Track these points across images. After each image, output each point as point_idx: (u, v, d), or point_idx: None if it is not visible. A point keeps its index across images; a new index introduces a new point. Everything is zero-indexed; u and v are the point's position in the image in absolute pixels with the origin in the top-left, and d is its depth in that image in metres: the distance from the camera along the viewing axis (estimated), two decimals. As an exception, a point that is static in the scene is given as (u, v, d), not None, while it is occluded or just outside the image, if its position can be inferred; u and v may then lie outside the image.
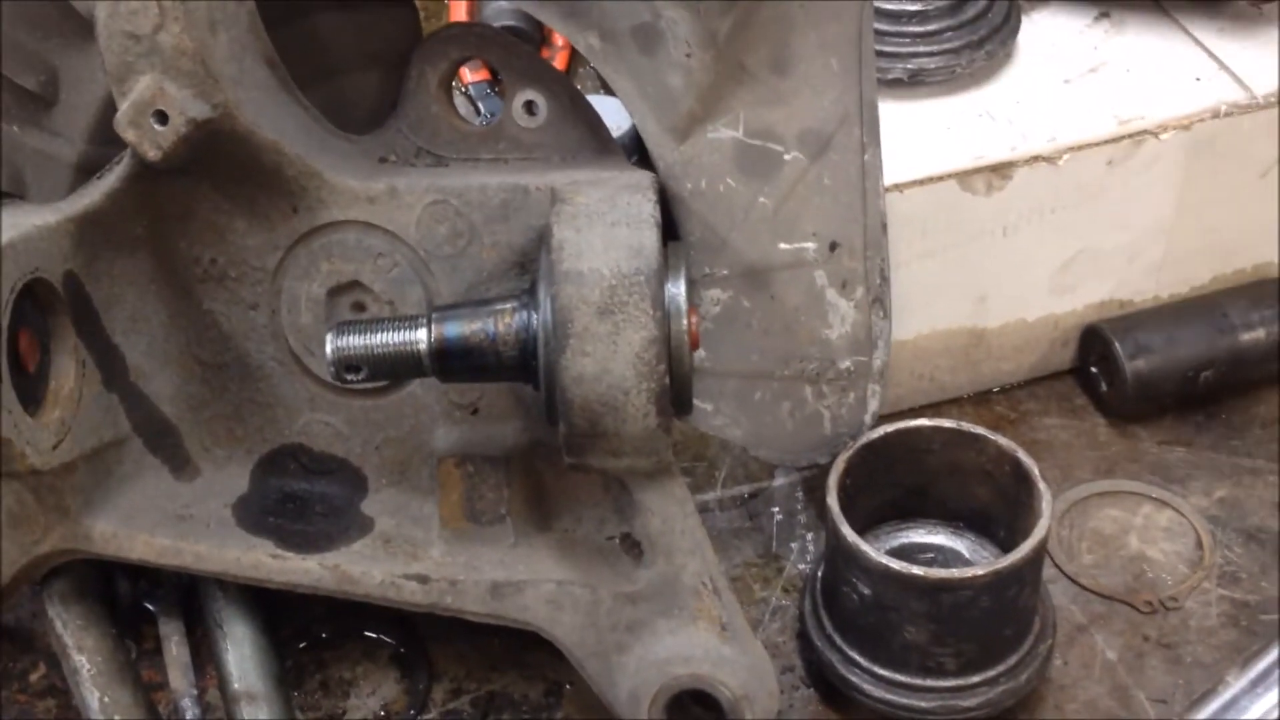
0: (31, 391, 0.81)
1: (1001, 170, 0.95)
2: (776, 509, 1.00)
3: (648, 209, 0.77)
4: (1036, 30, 1.05)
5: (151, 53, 0.79)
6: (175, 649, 0.91)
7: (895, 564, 0.78)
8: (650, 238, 0.75)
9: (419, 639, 0.93)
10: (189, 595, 0.94)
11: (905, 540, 0.90)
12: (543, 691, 0.90)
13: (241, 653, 0.88)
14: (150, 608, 0.94)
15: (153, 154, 0.80)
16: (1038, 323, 1.04)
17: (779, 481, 1.02)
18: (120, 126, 0.80)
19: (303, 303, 0.88)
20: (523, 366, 0.79)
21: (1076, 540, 0.96)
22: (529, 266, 0.85)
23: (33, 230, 0.81)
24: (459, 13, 1.39)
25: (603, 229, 0.75)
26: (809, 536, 0.98)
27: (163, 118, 0.80)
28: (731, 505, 1.00)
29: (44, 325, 0.83)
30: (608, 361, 0.73)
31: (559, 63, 1.34)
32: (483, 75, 1.32)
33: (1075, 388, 1.07)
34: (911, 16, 0.99)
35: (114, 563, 0.91)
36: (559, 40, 1.36)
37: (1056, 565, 0.94)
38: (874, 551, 0.79)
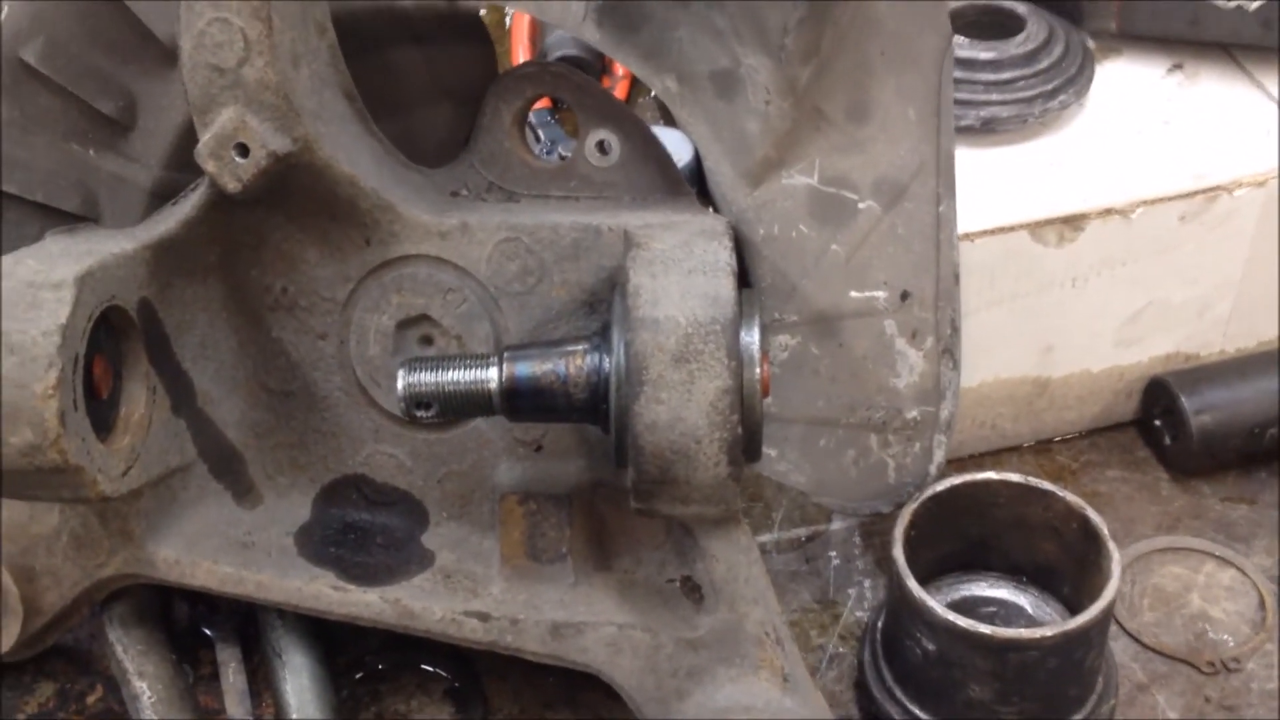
0: (104, 418, 0.81)
1: (1073, 222, 0.94)
2: (834, 554, 0.99)
3: (724, 256, 0.76)
4: (1110, 80, 1.05)
5: (235, 85, 0.79)
6: (232, 676, 0.91)
7: (962, 621, 0.78)
8: (727, 286, 0.75)
9: (474, 674, 0.93)
10: (247, 622, 0.94)
11: (968, 593, 0.90)
12: None
13: (300, 682, 0.88)
14: (208, 633, 0.94)
15: (232, 186, 0.80)
16: (1102, 374, 1.03)
17: (836, 526, 1.01)
18: (201, 157, 0.80)
19: (371, 334, 0.88)
20: (592, 409, 0.79)
21: (1138, 597, 0.96)
22: (598, 306, 0.85)
23: (110, 258, 0.82)
24: (520, 38, 1.39)
25: (679, 276, 0.75)
26: (866, 583, 0.97)
27: (244, 150, 0.80)
28: (788, 548, 1.00)
29: (118, 351, 0.83)
30: (682, 409, 0.73)
31: (619, 92, 1.34)
32: (544, 103, 1.32)
33: (1138, 440, 1.07)
34: (986, 65, 0.99)
35: (174, 588, 0.92)
36: (619, 70, 1.36)
37: (1118, 622, 0.93)
38: (940, 607, 0.79)
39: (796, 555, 0.99)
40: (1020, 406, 1.03)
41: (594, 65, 1.36)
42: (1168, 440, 1.04)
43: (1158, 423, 1.04)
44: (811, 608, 0.96)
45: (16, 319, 0.77)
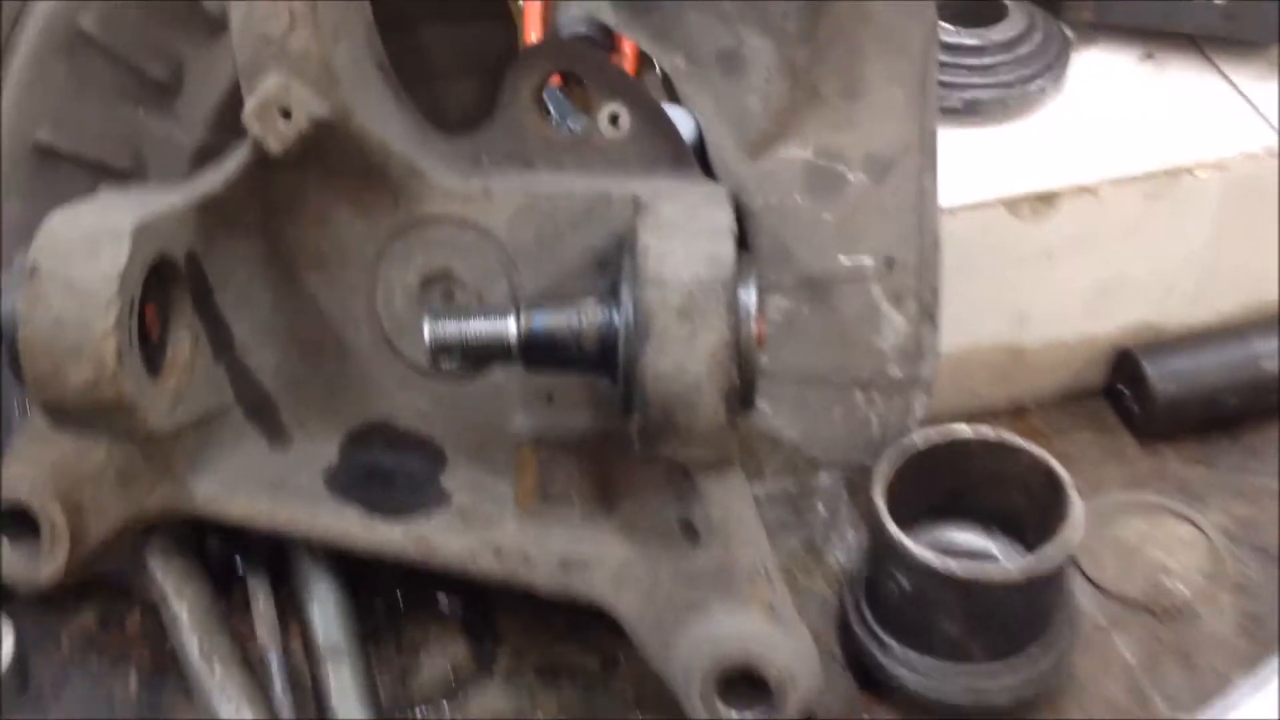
0: (153, 360, 0.89)
1: (1047, 199, 1.02)
2: (821, 504, 1.07)
3: (725, 221, 0.84)
4: (1085, 67, 1.12)
5: (281, 54, 0.86)
6: (263, 606, 0.98)
7: (936, 560, 0.85)
8: (727, 248, 0.82)
9: (486, 608, 1.00)
10: (275, 556, 1.01)
11: (941, 538, 0.97)
12: (599, 663, 0.97)
13: (326, 612, 0.96)
14: (239, 567, 1.01)
15: (275, 146, 0.87)
16: (1074, 343, 1.11)
17: (823, 479, 1.08)
18: (247, 119, 0.87)
19: (397, 290, 0.95)
20: (601, 361, 0.86)
21: (1101, 548, 1.03)
22: (607, 266, 0.92)
23: (162, 212, 0.89)
24: (533, 19, 1.46)
25: (684, 238, 0.82)
26: (850, 533, 1.04)
27: (286, 114, 0.87)
28: (778, 500, 1.07)
29: (166, 299, 0.90)
30: (684, 360, 0.80)
31: (626, 68, 1.40)
32: (555, 80, 1.38)
33: (1106, 406, 1.14)
34: (970, 50, 1.06)
35: (206, 524, 0.99)
36: (627, 48, 1.43)
37: (1081, 570, 1.00)
38: (916, 547, 0.86)
39: (786, 507, 1.07)
40: (996, 373, 1.10)
41: (603, 44, 1.43)
42: (1133, 407, 1.11)
43: (1124, 390, 1.12)
44: (799, 555, 1.04)
45: (78, 264, 0.84)
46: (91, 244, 0.84)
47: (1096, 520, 1.04)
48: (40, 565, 0.96)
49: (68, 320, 0.82)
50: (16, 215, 1.00)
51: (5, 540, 0.96)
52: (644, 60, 1.39)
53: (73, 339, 0.83)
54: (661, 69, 0.96)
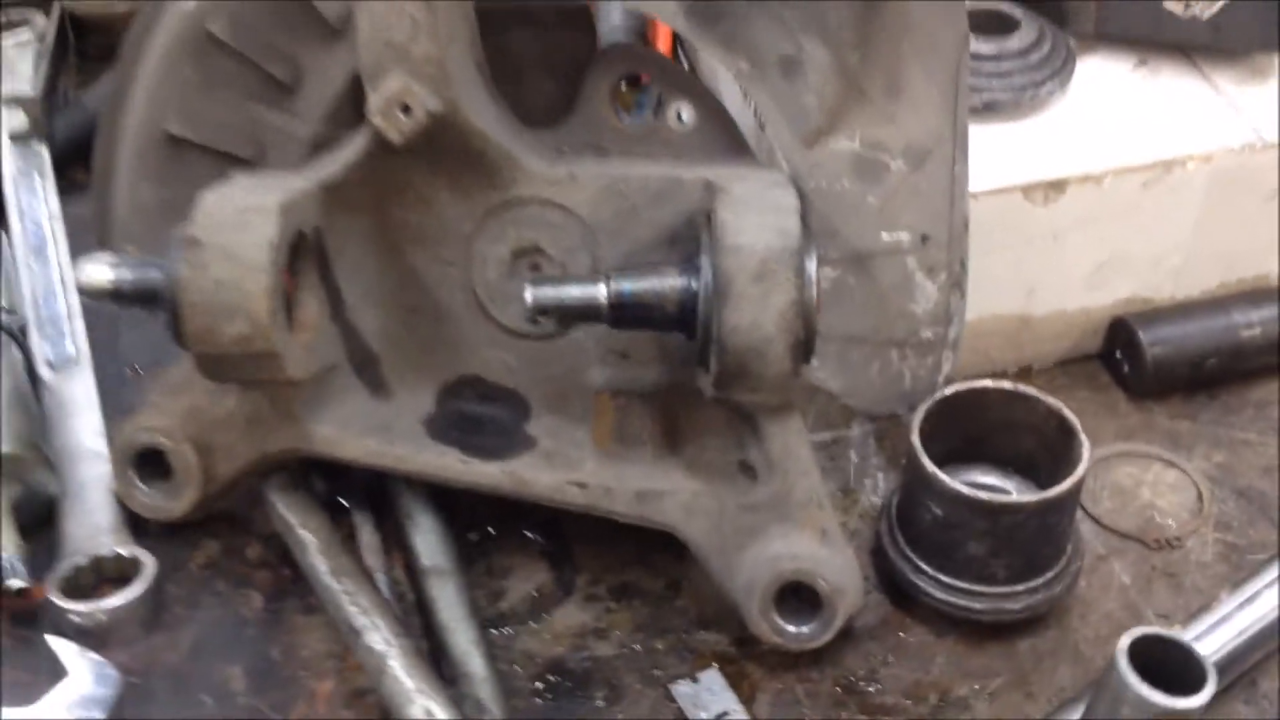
0: (289, 318, 1.02)
1: (1056, 185, 1.16)
2: (853, 453, 1.20)
3: (790, 201, 0.97)
4: (1087, 72, 1.25)
5: (403, 58, 0.98)
6: (367, 536, 1.11)
7: (965, 489, 1.00)
8: (794, 223, 0.95)
9: (565, 539, 1.13)
10: (375, 494, 1.14)
11: (965, 478, 1.10)
12: (664, 585, 1.10)
13: (427, 538, 1.08)
14: (344, 503, 1.14)
15: (396, 138, 1.00)
16: (1075, 313, 1.25)
17: (854, 431, 1.22)
18: (372, 113, 1.00)
19: (490, 261, 1.08)
20: (680, 320, 0.99)
21: (1100, 490, 1.17)
22: (677, 242, 1.05)
23: (297, 192, 1.02)
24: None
25: (756, 214, 0.96)
26: (880, 476, 1.18)
27: (406, 109, 1.00)
28: (816, 448, 1.19)
29: (297, 267, 1.03)
30: (758, 317, 0.94)
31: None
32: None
33: (1102, 369, 1.27)
34: (988, 57, 1.19)
35: (312, 466, 1.12)
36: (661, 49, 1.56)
37: (1083, 508, 1.14)
38: (948, 479, 1.00)
39: (822, 454, 1.20)
40: (1007, 339, 1.24)
41: (643, 47, 1.56)
42: (1126, 369, 1.25)
43: (1119, 355, 1.26)
44: (836, 496, 1.17)
45: (234, 236, 0.97)
46: (244, 218, 0.97)
47: (1095, 467, 1.19)
48: (173, 501, 1.09)
49: (227, 283, 0.96)
50: (147, 198, 1.12)
51: (137, 477, 1.09)
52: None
53: (232, 299, 0.96)
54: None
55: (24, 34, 1.53)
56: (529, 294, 1.00)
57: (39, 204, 1.34)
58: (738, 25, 1.03)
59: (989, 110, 1.19)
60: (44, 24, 1.55)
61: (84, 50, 1.60)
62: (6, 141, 1.40)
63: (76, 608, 1.03)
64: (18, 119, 1.40)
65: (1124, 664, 0.69)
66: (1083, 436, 1.03)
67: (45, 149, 1.40)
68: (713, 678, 1.03)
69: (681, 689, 1.02)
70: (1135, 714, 0.69)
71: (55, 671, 0.99)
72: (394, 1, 0.97)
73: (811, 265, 0.96)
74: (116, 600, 1.04)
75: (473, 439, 1.09)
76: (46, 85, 1.45)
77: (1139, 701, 0.68)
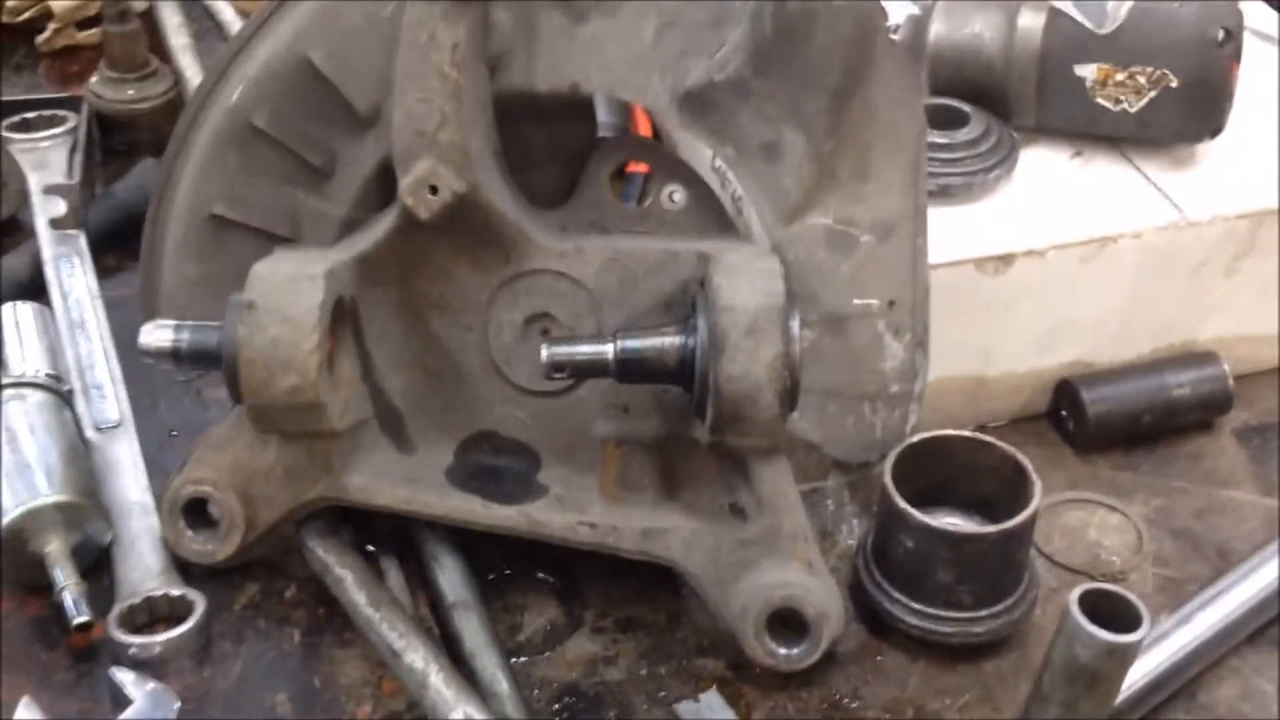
0: (330, 376, 1.14)
1: (1005, 259, 1.29)
2: (830, 501, 1.32)
3: (776, 268, 1.11)
4: (1029, 161, 1.38)
5: (432, 145, 1.11)
6: (394, 577, 1.22)
7: (934, 521, 1.12)
8: (779, 286, 1.09)
9: (574, 579, 1.23)
10: (399, 540, 1.25)
11: (932, 518, 1.24)
12: (665, 618, 1.20)
13: (451, 576, 1.19)
14: (371, 548, 1.25)
15: (425, 215, 1.13)
16: (1025, 374, 1.37)
17: (830, 483, 1.34)
18: (403, 194, 1.12)
19: (505, 327, 1.20)
20: (677, 373, 1.11)
21: (1051, 531, 1.29)
22: (673, 307, 1.16)
23: (337, 263, 1.14)
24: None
25: (746, 277, 1.09)
26: (855, 521, 1.29)
27: (434, 190, 1.13)
28: (796, 499, 1.33)
29: (336, 330, 1.15)
30: (749, 367, 1.07)
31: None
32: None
33: (1048, 427, 1.40)
34: (942, 147, 1.33)
35: (340, 513, 1.23)
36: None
37: (1037, 548, 1.26)
38: (918, 513, 1.13)
39: (804, 503, 1.32)
40: (965, 397, 1.37)
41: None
42: (1071, 425, 1.38)
43: (1064, 413, 1.39)
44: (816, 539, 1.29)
45: (286, 299, 1.09)
46: (294, 284, 1.10)
47: (1046, 512, 1.31)
48: (218, 547, 1.20)
49: (281, 341, 1.08)
50: (193, 274, 1.24)
51: (185, 525, 1.20)
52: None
53: (285, 355, 1.08)
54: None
55: (57, 130, 1.67)
56: (545, 353, 1.12)
57: (79, 283, 1.46)
58: (725, 117, 1.17)
59: (944, 193, 1.33)
60: (75, 121, 1.68)
61: (110, 145, 1.73)
62: (46, 227, 1.52)
63: (134, 640, 1.14)
64: (57, 207, 1.53)
65: (1076, 611, 0.82)
66: (1034, 476, 1.16)
67: (82, 234, 1.52)
68: (713, 698, 1.14)
69: (685, 708, 1.14)
70: (1086, 651, 0.82)
71: (117, 701, 1.09)
72: (425, 94, 1.11)
73: (795, 323, 1.09)
74: (171, 633, 1.14)
75: (490, 488, 1.21)
76: (82, 176, 1.58)
77: (1089, 639, 0.81)
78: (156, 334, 1.13)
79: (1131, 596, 0.83)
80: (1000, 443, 1.20)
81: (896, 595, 1.18)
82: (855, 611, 1.22)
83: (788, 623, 1.14)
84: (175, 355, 1.13)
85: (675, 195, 1.24)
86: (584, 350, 1.12)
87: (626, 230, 1.24)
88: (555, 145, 1.26)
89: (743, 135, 1.18)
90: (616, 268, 1.19)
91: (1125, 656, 0.82)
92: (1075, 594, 0.83)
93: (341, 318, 1.15)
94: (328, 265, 1.13)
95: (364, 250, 1.17)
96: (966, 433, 1.21)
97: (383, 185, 1.21)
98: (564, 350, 1.12)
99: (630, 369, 1.12)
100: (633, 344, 1.12)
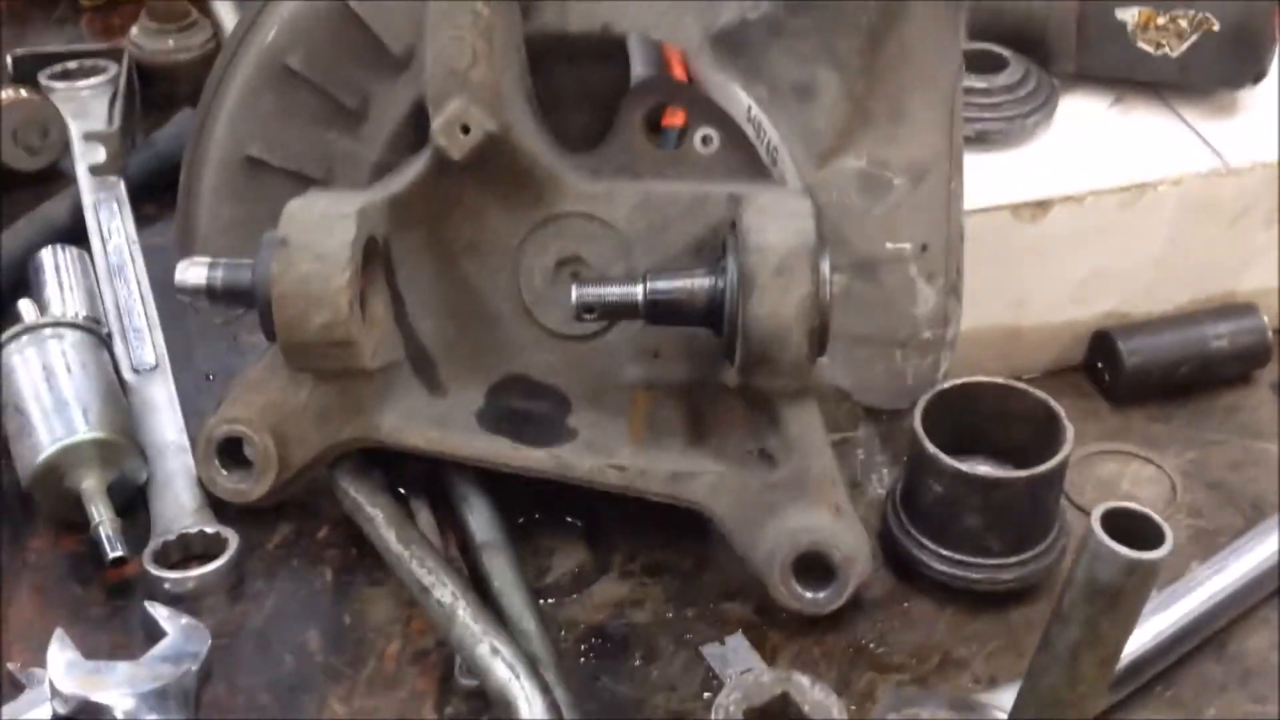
0: (362, 315, 1.15)
1: (1042, 205, 1.28)
2: (860, 451, 1.32)
3: (807, 208, 1.10)
4: (1069, 108, 1.37)
5: (464, 84, 1.11)
6: (425, 518, 1.23)
7: (963, 465, 1.12)
8: (810, 226, 1.08)
9: (602, 524, 1.23)
10: (429, 483, 1.26)
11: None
12: (692, 563, 1.20)
13: (481, 518, 1.19)
14: (401, 490, 1.25)
15: (456, 155, 1.13)
16: (1061, 325, 1.36)
17: (861, 433, 1.34)
18: (435, 133, 1.12)
19: (536, 270, 1.20)
20: (707, 314, 1.10)
21: (1084, 483, 1.29)
22: (703, 250, 1.16)
23: (369, 203, 1.15)
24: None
25: (777, 218, 1.09)
26: (884, 471, 1.28)
27: (466, 129, 1.13)
28: (827, 447, 1.33)
29: (368, 270, 1.16)
30: (779, 306, 1.06)
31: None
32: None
33: (1084, 379, 1.38)
34: (980, 92, 1.32)
35: (371, 456, 1.24)
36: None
37: (1069, 499, 1.26)
38: (946, 457, 1.12)
39: (832, 452, 1.32)
40: (997, 349, 1.35)
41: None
42: (1107, 377, 1.37)
43: (1100, 364, 1.38)
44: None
45: (318, 236, 1.09)
46: (327, 222, 1.10)
47: (1079, 464, 1.30)
48: (252, 485, 1.21)
49: (313, 277, 1.08)
50: (229, 216, 1.24)
51: (219, 464, 1.21)
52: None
53: (316, 291, 1.09)
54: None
55: (98, 79, 1.68)
56: (574, 293, 1.12)
57: (118, 229, 1.47)
58: (757, 56, 1.16)
59: (981, 139, 1.32)
60: (115, 70, 1.69)
61: (149, 96, 1.74)
62: (86, 174, 1.53)
63: (168, 575, 1.15)
64: (96, 154, 1.54)
65: (1097, 527, 0.81)
66: (1066, 422, 1.15)
67: (121, 181, 1.54)
68: (738, 641, 1.15)
69: (711, 650, 1.14)
70: (1108, 569, 0.81)
71: (150, 635, 1.11)
72: (457, 33, 1.11)
73: (825, 264, 1.08)
74: (204, 569, 1.15)
75: (520, 431, 1.21)
76: (122, 124, 1.59)
77: (1110, 556, 0.80)
78: (191, 271, 1.14)
79: (1155, 515, 0.82)
80: (1032, 389, 1.19)
81: (924, 541, 1.17)
82: (883, 558, 1.21)
83: (814, 567, 1.14)
84: (210, 292, 1.14)
85: (709, 139, 1.23)
86: (613, 291, 1.12)
87: (658, 174, 1.23)
88: (587, 88, 1.26)
89: (775, 75, 1.17)
90: (647, 210, 1.18)
91: (1147, 575, 0.81)
92: (1097, 511, 0.82)
93: (373, 258, 1.16)
94: (360, 204, 1.13)
95: (396, 192, 1.18)
96: (999, 379, 1.20)
97: (416, 128, 1.21)
98: (593, 291, 1.12)
99: (660, 310, 1.12)
100: (662, 285, 1.12)
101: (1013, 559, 1.16)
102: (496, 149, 1.14)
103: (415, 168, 1.17)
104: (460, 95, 1.12)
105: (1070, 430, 1.15)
